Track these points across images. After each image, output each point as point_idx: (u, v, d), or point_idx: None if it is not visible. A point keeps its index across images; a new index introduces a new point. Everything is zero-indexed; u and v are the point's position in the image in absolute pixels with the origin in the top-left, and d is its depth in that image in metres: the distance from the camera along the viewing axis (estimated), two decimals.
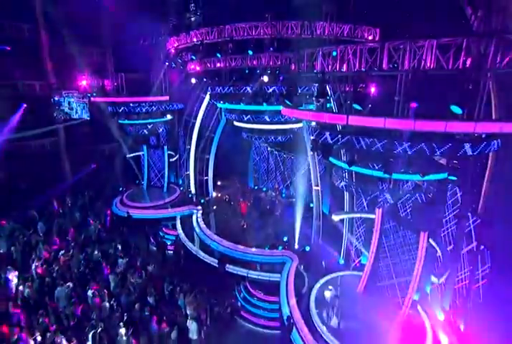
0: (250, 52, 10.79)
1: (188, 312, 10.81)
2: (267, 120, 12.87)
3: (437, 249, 9.66)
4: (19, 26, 16.43)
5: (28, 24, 16.56)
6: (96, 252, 12.96)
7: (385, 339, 8.57)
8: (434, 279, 8.51)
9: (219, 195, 17.98)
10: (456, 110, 5.84)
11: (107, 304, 10.47)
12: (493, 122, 6.32)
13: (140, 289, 11.43)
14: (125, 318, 9.96)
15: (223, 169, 18.09)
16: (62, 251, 12.58)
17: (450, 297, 9.97)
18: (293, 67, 7.97)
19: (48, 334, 9.02)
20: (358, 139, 7.10)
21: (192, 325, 9.95)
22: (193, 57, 12.60)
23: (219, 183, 18.86)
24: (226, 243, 13.72)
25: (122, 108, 15.86)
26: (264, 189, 18.80)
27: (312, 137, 8.41)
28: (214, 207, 16.92)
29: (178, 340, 9.75)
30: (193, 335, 10.00)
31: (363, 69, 6.76)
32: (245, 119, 13.53)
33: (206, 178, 17.43)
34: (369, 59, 7.10)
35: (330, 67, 6.82)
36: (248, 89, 11.18)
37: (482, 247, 9.32)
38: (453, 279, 9.92)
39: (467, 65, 6.26)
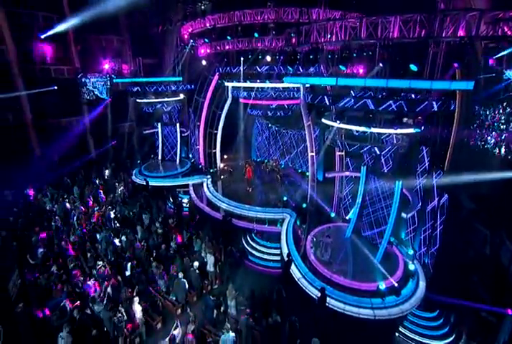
0: (256, 35, 12.76)
1: (204, 253, 13.09)
2: (273, 95, 14.96)
3: (409, 196, 11.86)
4: (50, 17, 18.31)
5: (57, 15, 18.41)
6: (123, 209, 15.27)
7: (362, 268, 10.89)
8: (403, 214, 10.69)
9: (225, 166, 20.19)
10: (413, 67, 7.78)
11: (139, 245, 12.75)
12: (445, 80, 8.06)
13: (163, 236, 13.70)
14: (154, 255, 12.30)
15: (229, 143, 20.20)
16: (96, 208, 14.86)
17: (419, 240, 12.28)
18: (294, 41, 9.84)
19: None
20: (345, 99, 9.08)
21: (210, 259, 12.22)
22: (206, 40, 14.49)
23: (225, 156, 21.00)
24: (234, 203, 15.96)
25: (136, 88, 17.73)
26: (266, 161, 21.03)
27: (308, 102, 10.48)
28: (222, 177, 19.09)
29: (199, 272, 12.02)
30: (210, 267, 12.28)
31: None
32: (250, 95, 15.67)
33: (214, 150, 19.53)
34: (352, 32, 9.00)
35: (322, 38, 8.71)
36: (257, 68, 13.14)
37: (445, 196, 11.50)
38: (422, 225, 12.19)
39: (422, 35, 8.10)
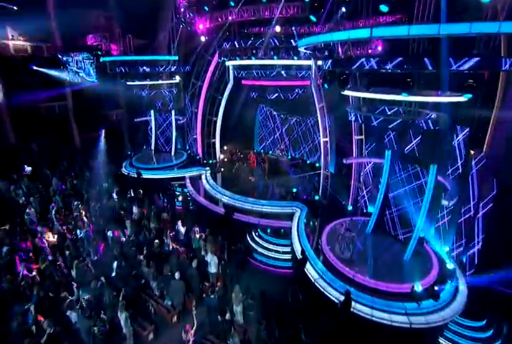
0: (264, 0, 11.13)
1: (204, 251, 11.26)
2: (283, 75, 13.28)
3: (445, 183, 10.19)
4: None
5: None
6: (111, 203, 13.38)
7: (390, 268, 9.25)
8: (444, 202, 9.04)
9: (226, 159, 18.45)
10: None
11: (124, 239, 10.90)
12: None
13: (156, 231, 11.86)
14: (145, 252, 10.44)
15: (229, 133, 18.43)
16: (78, 202, 12.92)
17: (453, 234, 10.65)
18: None
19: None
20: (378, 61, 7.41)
21: (213, 259, 10.39)
22: (206, 8, 12.79)
23: (225, 147, 19.24)
24: (237, 196, 14.20)
25: (125, 68, 15.75)
26: (270, 152, 19.38)
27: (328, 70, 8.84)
28: (222, 169, 17.34)
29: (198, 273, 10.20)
30: (211, 268, 10.48)
31: None
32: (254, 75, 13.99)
33: (213, 140, 17.74)
34: None
35: None
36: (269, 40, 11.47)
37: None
38: (456, 217, 10.55)
39: None
